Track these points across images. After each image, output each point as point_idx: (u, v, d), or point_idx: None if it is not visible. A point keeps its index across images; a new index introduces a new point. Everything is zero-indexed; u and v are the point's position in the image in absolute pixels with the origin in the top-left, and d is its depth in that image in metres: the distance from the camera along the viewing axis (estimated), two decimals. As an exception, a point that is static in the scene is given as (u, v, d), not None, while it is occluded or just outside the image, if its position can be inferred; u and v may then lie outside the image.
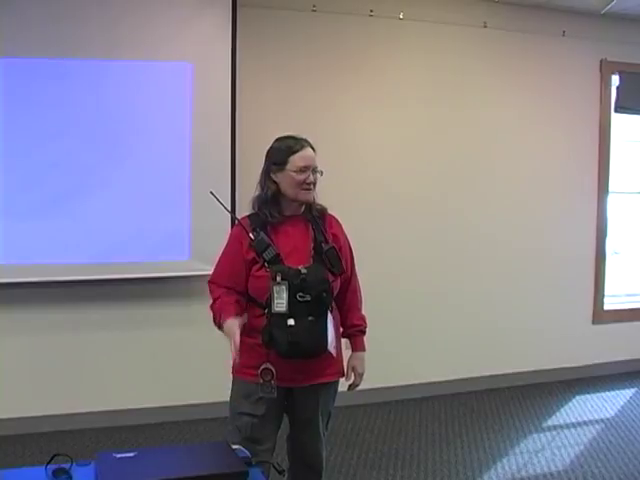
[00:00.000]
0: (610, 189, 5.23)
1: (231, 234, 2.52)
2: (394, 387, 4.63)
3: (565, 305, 5.12)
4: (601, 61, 5.09)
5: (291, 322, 2.27)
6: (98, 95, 3.85)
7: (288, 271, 2.30)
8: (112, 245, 3.92)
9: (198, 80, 4.00)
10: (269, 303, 2.30)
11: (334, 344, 2.38)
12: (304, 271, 2.31)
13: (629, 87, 5.11)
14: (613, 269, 5.36)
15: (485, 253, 4.87)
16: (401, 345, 4.65)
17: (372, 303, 4.86)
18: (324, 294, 2.33)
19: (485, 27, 4.76)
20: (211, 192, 2.58)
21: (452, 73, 4.71)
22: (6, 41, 3.67)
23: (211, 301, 2.49)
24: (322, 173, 2.45)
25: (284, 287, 2.27)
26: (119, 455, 1.94)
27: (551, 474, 3.51)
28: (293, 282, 2.28)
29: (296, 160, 2.38)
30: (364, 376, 2.55)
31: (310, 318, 2.29)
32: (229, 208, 2.51)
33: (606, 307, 5.30)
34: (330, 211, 2.58)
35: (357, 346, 2.55)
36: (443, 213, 4.75)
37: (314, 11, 4.38)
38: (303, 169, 2.38)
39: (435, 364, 4.77)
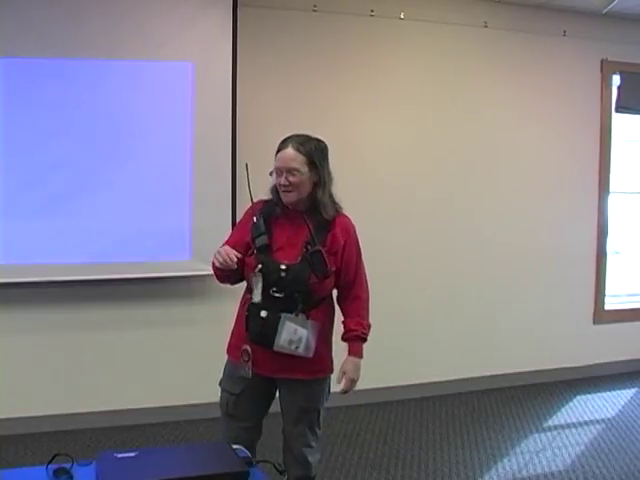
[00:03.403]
0: (611, 189, 5.23)
1: (245, 211, 2.59)
2: (395, 387, 4.63)
3: (566, 305, 5.11)
4: (602, 61, 5.09)
5: (263, 314, 2.35)
6: (98, 95, 3.85)
7: (270, 264, 2.37)
8: (112, 245, 3.92)
9: (199, 80, 4.00)
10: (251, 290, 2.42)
11: (302, 347, 2.36)
12: (283, 267, 2.36)
13: (630, 87, 5.11)
14: (614, 269, 5.36)
15: (485, 253, 4.87)
16: (401, 345, 4.64)
17: (372, 303, 4.85)
18: (296, 294, 2.36)
19: (486, 27, 4.75)
20: (246, 164, 2.53)
21: (453, 73, 4.71)
22: (6, 41, 3.66)
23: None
24: (296, 174, 2.41)
25: (259, 279, 2.36)
26: (120, 455, 1.94)
27: (552, 474, 3.51)
28: (270, 276, 2.35)
29: (275, 161, 2.45)
30: (359, 382, 2.52)
31: (280, 315, 2.36)
32: (251, 193, 2.49)
33: (607, 307, 5.29)
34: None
35: (349, 351, 2.51)
36: (443, 213, 4.75)
37: (315, 11, 4.37)
38: (278, 171, 2.42)
39: (436, 364, 4.76)
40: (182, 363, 4.21)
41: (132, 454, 1.96)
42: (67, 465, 1.90)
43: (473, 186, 4.82)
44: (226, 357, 2.63)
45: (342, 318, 2.56)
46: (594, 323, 5.23)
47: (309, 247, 2.38)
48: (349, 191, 4.44)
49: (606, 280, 5.26)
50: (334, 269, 2.45)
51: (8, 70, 3.71)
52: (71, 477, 1.87)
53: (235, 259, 2.33)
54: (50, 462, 1.90)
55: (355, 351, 2.50)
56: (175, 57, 3.97)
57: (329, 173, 2.51)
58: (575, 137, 5.08)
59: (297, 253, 2.40)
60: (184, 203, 4.04)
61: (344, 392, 2.50)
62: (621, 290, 5.49)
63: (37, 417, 3.92)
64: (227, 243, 2.50)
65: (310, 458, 2.56)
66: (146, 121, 3.94)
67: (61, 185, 3.81)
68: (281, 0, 4.30)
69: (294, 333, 2.35)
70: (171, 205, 4.03)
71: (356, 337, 2.50)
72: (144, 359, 4.16)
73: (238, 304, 2.59)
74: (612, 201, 5.24)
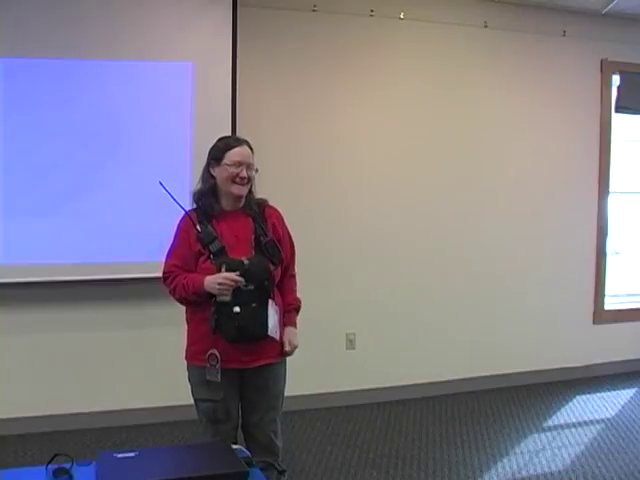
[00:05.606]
0: (611, 189, 5.23)
1: (178, 226, 2.67)
2: (394, 387, 4.62)
3: (566, 305, 5.11)
4: (602, 61, 5.09)
5: (237, 309, 2.44)
6: (98, 95, 3.85)
7: (232, 262, 2.45)
8: (112, 245, 3.92)
9: (198, 80, 4.00)
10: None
11: (276, 329, 2.52)
12: (246, 262, 2.46)
13: (630, 87, 5.11)
14: (614, 269, 5.36)
15: (485, 253, 4.87)
16: (401, 345, 4.65)
17: (372, 303, 4.84)
18: (266, 282, 2.50)
19: (485, 27, 4.75)
20: (160, 182, 2.63)
21: (452, 73, 4.71)
22: (6, 41, 3.66)
23: (171, 288, 2.57)
24: (257, 171, 2.61)
25: None
26: (120, 455, 1.94)
27: (551, 474, 3.51)
28: (238, 273, 2.43)
29: (231, 155, 2.55)
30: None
31: (254, 305, 2.46)
32: (179, 203, 2.64)
33: (607, 307, 5.30)
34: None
35: (290, 321, 2.70)
36: (443, 212, 4.75)
37: (314, 11, 4.37)
38: (237, 164, 2.53)
39: (435, 364, 4.76)
40: (182, 363, 4.18)
41: (132, 454, 1.96)
42: (67, 465, 1.90)
43: (473, 186, 4.81)
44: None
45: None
46: (594, 323, 5.23)
47: (262, 238, 2.54)
48: (348, 190, 4.48)
49: (606, 280, 5.26)
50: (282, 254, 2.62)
51: (8, 70, 3.71)
52: (71, 477, 1.86)
53: (239, 278, 2.41)
54: (50, 462, 1.90)
55: (293, 321, 2.72)
56: (175, 57, 3.97)
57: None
58: (575, 137, 5.08)
59: (248, 248, 2.52)
60: (184, 203, 4.02)
61: (288, 355, 2.67)
62: (621, 290, 5.49)
63: (37, 417, 3.92)
64: (174, 260, 2.60)
65: (279, 443, 2.67)
66: (146, 121, 3.95)
67: (61, 185, 3.81)
68: (281, 0, 4.30)
69: (273, 317, 2.51)
70: (170, 205, 4.01)
71: (294, 309, 2.73)
72: (144, 359, 4.16)
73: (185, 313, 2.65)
74: (612, 201, 5.24)
